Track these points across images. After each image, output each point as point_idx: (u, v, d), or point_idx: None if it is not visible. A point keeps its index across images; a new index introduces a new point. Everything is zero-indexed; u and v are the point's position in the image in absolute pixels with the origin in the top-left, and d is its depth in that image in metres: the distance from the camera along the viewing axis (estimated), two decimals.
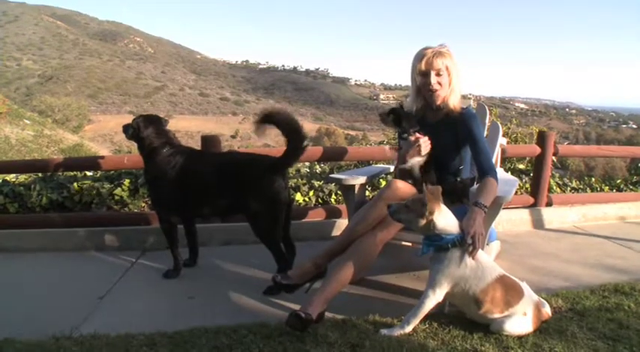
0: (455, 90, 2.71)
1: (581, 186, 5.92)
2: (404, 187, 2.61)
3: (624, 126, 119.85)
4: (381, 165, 3.55)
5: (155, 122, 3.14)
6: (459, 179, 2.79)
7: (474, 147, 2.65)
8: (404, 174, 2.80)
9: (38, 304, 2.79)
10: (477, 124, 2.67)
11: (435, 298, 2.31)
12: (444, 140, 2.74)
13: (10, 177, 4.61)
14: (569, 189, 5.79)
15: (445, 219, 2.28)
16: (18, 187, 4.36)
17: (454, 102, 2.72)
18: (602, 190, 5.93)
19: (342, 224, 3.85)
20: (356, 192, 3.00)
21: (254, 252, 3.45)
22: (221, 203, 2.96)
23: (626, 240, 4.17)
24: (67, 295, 2.92)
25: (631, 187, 6.19)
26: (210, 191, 2.95)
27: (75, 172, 4.67)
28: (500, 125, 3.22)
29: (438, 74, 2.68)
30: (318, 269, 2.55)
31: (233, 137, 68.23)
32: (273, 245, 2.88)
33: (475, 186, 2.70)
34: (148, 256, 3.59)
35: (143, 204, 4.33)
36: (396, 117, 2.77)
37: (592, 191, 5.86)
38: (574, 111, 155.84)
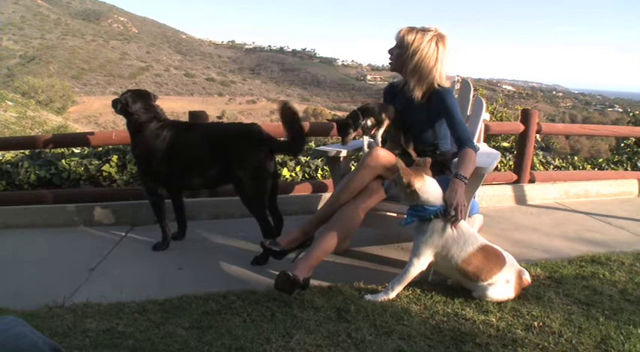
0: (418, 73, 2.70)
1: (564, 165, 6.03)
2: (385, 155, 2.65)
3: (610, 109, 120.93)
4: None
5: (144, 97, 3.15)
6: (438, 152, 2.85)
7: (450, 121, 2.68)
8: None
9: (29, 277, 2.82)
10: (451, 98, 2.70)
11: (418, 266, 2.39)
12: (417, 114, 2.80)
13: None
14: (552, 166, 5.90)
15: (428, 191, 2.34)
16: (5, 165, 4.36)
17: (415, 86, 2.74)
18: (584, 168, 6.04)
19: (328, 198, 3.93)
20: (341, 163, 3.08)
21: (241, 225, 3.56)
22: (210, 173, 2.99)
23: (606, 215, 4.28)
24: (58, 268, 2.95)
25: (612, 166, 6.31)
26: (200, 162, 2.99)
27: (62, 149, 4.66)
28: (483, 100, 3.28)
29: (396, 45, 2.77)
30: (305, 237, 2.62)
31: (219, 118, 67.90)
32: (260, 214, 2.93)
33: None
34: (137, 230, 3.63)
35: (131, 180, 4.35)
36: (354, 121, 2.81)
37: (574, 169, 5.97)
38: (561, 94, 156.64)
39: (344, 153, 3.07)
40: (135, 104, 3.06)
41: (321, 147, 3.20)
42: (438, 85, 2.71)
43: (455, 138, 2.69)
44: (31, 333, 1.06)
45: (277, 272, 2.65)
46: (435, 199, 2.36)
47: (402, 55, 2.72)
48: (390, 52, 2.81)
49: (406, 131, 2.87)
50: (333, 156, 3.06)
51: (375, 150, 2.67)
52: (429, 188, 2.35)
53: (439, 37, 2.69)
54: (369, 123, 2.76)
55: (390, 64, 2.85)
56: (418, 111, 2.79)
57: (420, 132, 2.84)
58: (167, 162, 3.02)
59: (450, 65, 2.75)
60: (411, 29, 2.71)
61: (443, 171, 2.75)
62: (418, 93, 2.74)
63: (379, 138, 2.82)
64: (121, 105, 3.08)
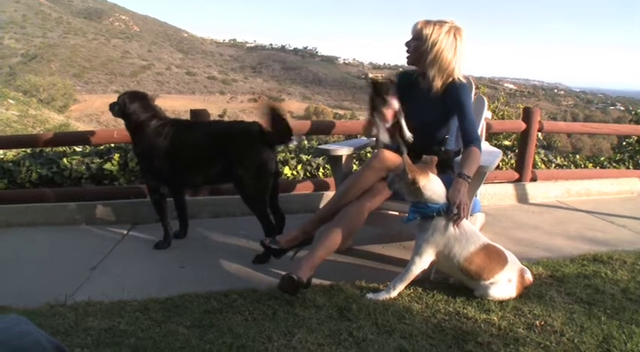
0: (438, 64, 2.71)
1: (566, 163, 6.01)
2: (391, 156, 2.66)
3: (612, 107, 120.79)
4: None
5: (141, 98, 3.15)
6: (443, 149, 2.84)
7: (461, 115, 2.68)
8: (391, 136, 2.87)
9: (31, 275, 2.82)
10: (466, 93, 2.71)
11: (420, 265, 2.39)
12: (433, 108, 2.80)
13: None
14: (553, 165, 5.89)
15: (432, 189, 2.34)
16: (6, 164, 4.36)
17: (435, 76, 2.74)
18: (586, 167, 6.02)
19: (329, 196, 3.89)
20: (343, 163, 3.06)
21: (243, 223, 3.56)
22: (211, 171, 2.99)
23: (608, 214, 4.27)
24: (60, 266, 2.95)
25: (614, 165, 6.30)
26: (201, 160, 2.98)
27: (64, 148, 4.67)
28: (485, 99, 3.28)
29: (413, 38, 2.77)
30: (305, 236, 2.62)
31: (221, 116, 67.98)
32: (261, 213, 2.93)
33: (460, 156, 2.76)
34: (139, 229, 3.63)
35: (133, 178, 4.35)
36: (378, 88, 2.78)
37: (576, 168, 5.96)
38: (562, 92, 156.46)
39: (346, 151, 3.07)
40: (132, 104, 3.06)
41: (323, 146, 3.20)
42: (458, 79, 2.73)
43: (462, 133, 2.68)
44: (34, 331, 1.06)
45: (279, 271, 2.66)
46: (438, 197, 2.36)
47: (420, 47, 2.73)
48: (407, 44, 2.82)
49: (416, 125, 2.85)
50: (335, 155, 3.05)
51: (381, 152, 2.67)
52: (433, 185, 2.35)
53: (456, 29, 2.71)
54: (395, 104, 2.75)
55: (407, 57, 2.85)
56: (434, 105, 2.79)
57: (434, 127, 2.84)
58: (169, 160, 3.02)
59: (467, 57, 2.77)
60: (428, 22, 2.72)
61: (445, 170, 2.74)
62: (438, 83, 2.75)
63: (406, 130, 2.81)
64: (118, 107, 3.09)
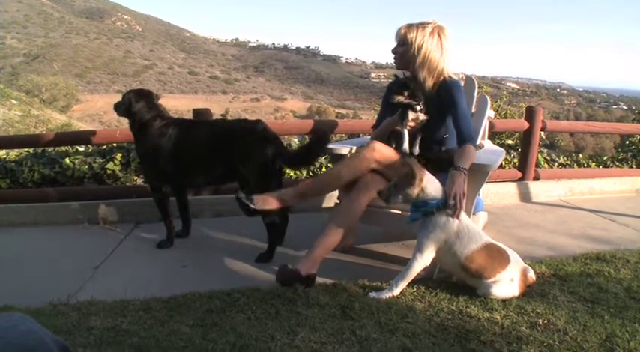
0: (427, 66, 2.71)
1: (569, 162, 6.00)
2: (382, 149, 2.64)
3: (615, 107, 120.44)
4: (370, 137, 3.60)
5: (146, 96, 3.16)
6: (443, 148, 2.84)
7: (454, 113, 2.68)
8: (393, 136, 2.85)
9: (34, 275, 2.83)
10: (459, 92, 2.70)
11: (422, 261, 2.39)
12: (429, 109, 2.78)
13: (1, 154, 4.61)
14: (556, 164, 5.88)
15: (432, 184, 2.35)
16: (9, 163, 4.37)
17: (426, 78, 2.73)
18: (589, 166, 6.02)
19: (332, 195, 3.91)
20: None
21: (245, 223, 3.52)
22: (215, 170, 3.00)
23: (610, 213, 4.27)
24: (63, 266, 2.96)
25: (617, 164, 6.29)
26: (205, 159, 2.98)
27: (66, 147, 4.68)
28: (488, 98, 3.28)
29: (399, 44, 2.78)
30: (282, 205, 2.64)
31: (223, 116, 68.03)
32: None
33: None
34: (142, 228, 3.64)
35: (135, 178, 4.36)
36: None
37: (579, 167, 5.95)
38: (565, 91, 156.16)
39: (348, 150, 3.06)
40: (138, 103, 3.06)
41: None
42: (448, 76, 2.74)
43: (457, 131, 2.67)
44: (39, 330, 1.06)
45: None
46: (437, 193, 2.36)
47: (407, 52, 2.73)
48: (394, 51, 2.83)
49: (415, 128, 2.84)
50: (338, 154, 3.05)
51: (373, 144, 2.66)
52: (431, 183, 2.36)
53: (439, 29, 2.71)
54: (421, 116, 2.76)
55: (395, 62, 2.86)
56: (430, 106, 2.78)
57: (432, 127, 2.83)
58: (172, 159, 3.02)
59: (454, 54, 2.78)
60: (411, 26, 2.73)
61: (445, 169, 2.74)
62: (430, 83, 2.74)
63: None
64: (124, 107, 3.09)
